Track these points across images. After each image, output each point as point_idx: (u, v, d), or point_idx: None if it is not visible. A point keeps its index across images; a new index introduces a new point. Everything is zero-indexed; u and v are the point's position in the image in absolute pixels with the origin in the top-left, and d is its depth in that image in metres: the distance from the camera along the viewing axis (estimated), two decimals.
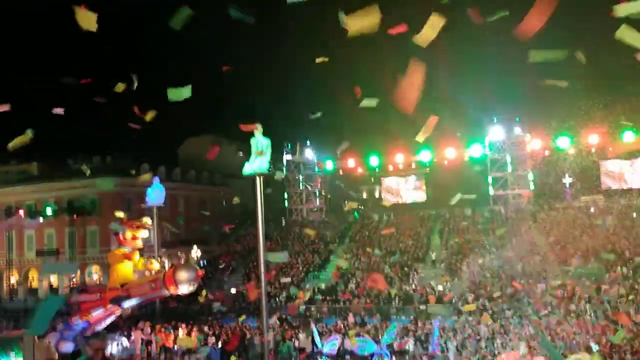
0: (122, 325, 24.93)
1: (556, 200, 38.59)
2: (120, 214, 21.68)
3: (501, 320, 22.39)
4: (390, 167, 43.49)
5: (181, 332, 23.56)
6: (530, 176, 39.65)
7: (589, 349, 16.51)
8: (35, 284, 44.94)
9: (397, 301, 27.39)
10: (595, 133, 36.48)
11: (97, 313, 20.57)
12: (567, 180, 40.01)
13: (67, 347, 17.21)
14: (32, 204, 44.13)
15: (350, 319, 24.44)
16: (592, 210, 35.81)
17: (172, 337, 23.16)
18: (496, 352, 19.03)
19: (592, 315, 22.85)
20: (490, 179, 39.99)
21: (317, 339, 19.58)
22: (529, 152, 38.98)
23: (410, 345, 20.15)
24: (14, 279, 45.07)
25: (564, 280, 26.96)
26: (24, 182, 46.38)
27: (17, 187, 45.59)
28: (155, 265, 22.00)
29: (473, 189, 40.48)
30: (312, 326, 20.46)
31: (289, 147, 44.68)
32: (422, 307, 26.23)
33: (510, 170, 39.49)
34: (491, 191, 39.94)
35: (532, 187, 39.49)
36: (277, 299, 29.32)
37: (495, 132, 39.26)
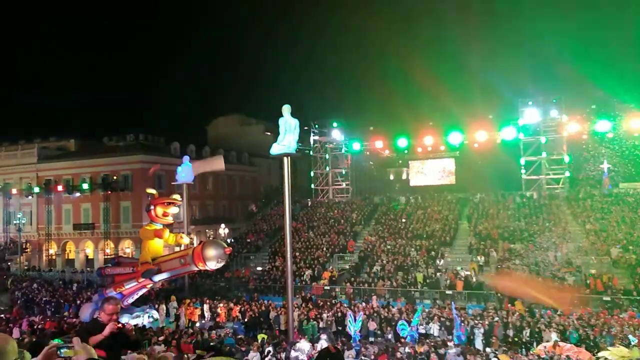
0: (153, 299, 25.71)
1: (593, 187, 37.35)
2: (152, 191, 22.25)
3: (531, 309, 22.00)
4: (419, 149, 42.79)
5: (206, 307, 24.07)
6: (566, 160, 38.30)
7: (626, 342, 16.07)
8: (72, 256, 46.69)
9: (423, 285, 27.23)
10: (638, 117, 34.83)
11: (129, 285, 21.32)
12: (606, 166, 38.56)
13: None
14: (70, 179, 45.54)
15: (374, 301, 24.44)
16: (631, 198, 34.43)
17: (198, 311, 23.69)
18: (524, 340, 18.81)
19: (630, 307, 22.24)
20: (523, 163, 38.90)
21: (351, 323, 19.68)
22: (566, 135, 37.59)
23: (434, 329, 20.08)
24: (52, 251, 46.98)
25: (600, 270, 26.23)
26: (62, 158, 47.84)
27: (56, 163, 47.11)
28: (185, 239, 22.66)
29: (504, 173, 39.74)
30: (348, 313, 20.55)
31: (316, 127, 44.43)
32: (449, 292, 26.03)
33: (545, 155, 38.26)
34: (523, 176, 38.89)
35: (567, 172, 38.23)
36: (302, 279, 29.59)
37: (530, 114, 37.85)
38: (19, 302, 29.53)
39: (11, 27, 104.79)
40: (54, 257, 46.91)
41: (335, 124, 43.86)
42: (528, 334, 19.00)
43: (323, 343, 16.39)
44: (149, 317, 23.43)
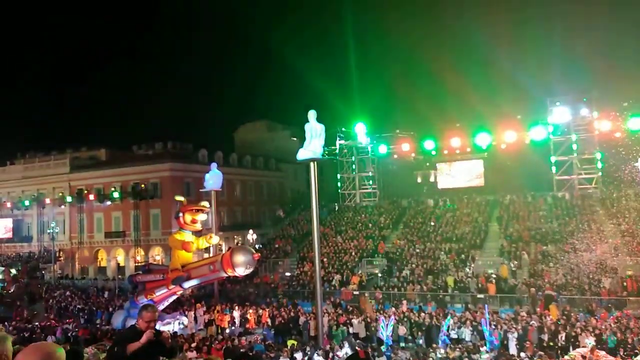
0: (183, 305, 25.97)
1: (627, 186, 36.21)
2: (180, 198, 22.57)
3: (566, 313, 21.40)
4: (446, 151, 42.23)
5: (236, 313, 24.15)
6: (599, 159, 37.26)
7: None
8: (104, 264, 47.68)
9: (454, 289, 26.82)
10: None
11: (160, 292, 21.64)
12: None
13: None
14: (101, 188, 46.56)
15: (404, 306, 24.15)
16: None
17: (228, 317, 23.79)
18: (560, 345, 18.29)
19: None
20: (553, 163, 37.99)
21: (382, 329, 19.52)
22: (597, 134, 36.61)
23: (467, 334, 19.72)
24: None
25: (636, 272, 25.38)
26: (93, 167, 49.04)
27: (87, 172, 48.29)
28: (214, 239, 22.83)
29: (534, 173, 38.86)
30: (380, 318, 20.40)
31: (342, 131, 44.38)
32: (480, 295, 25.56)
33: (576, 154, 37.30)
34: (554, 176, 37.98)
35: (600, 172, 37.19)
36: (331, 284, 29.48)
37: (560, 113, 36.99)
38: (52, 310, 30.24)
39: (38, 41, 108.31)
40: (86, 265, 47.98)
41: (361, 128, 43.73)
42: (564, 338, 18.46)
43: (347, 350, 16.29)
44: (179, 323, 23.72)
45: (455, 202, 38.71)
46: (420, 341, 19.94)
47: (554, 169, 38.04)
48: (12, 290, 37.27)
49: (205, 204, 22.68)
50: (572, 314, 21.17)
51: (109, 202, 45.24)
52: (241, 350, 17.60)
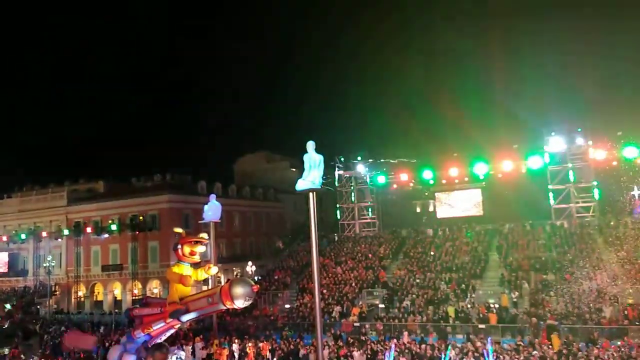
0: (180, 339, 25.54)
1: (625, 214, 36.33)
2: (179, 230, 22.49)
3: (567, 343, 21.14)
4: (445, 181, 42.47)
5: (235, 347, 23.78)
6: (595, 188, 37.55)
7: None
8: (100, 298, 47.05)
9: (455, 319, 26.53)
10: None
11: (157, 326, 21.25)
12: (637, 192, 37.54)
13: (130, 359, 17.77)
14: (99, 221, 46.39)
15: (406, 337, 23.84)
16: None
17: (226, 352, 23.37)
18: None
19: None
20: (551, 192, 38.21)
21: None
22: (593, 162, 36.99)
23: None
24: (81, 293, 47.47)
25: (637, 300, 25.21)
26: (91, 200, 48.99)
27: (85, 205, 48.19)
28: (213, 270, 22.55)
29: (532, 202, 39.04)
30: (386, 353, 20.05)
31: (341, 161, 44.75)
32: (482, 325, 25.26)
33: (573, 182, 37.57)
34: (552, 204, 38.13)
35: (596, 199, 37.41)
36: (331, 315, 29.14)
37: (555, 143, 37.52)
38: (47, 346, 29.65)
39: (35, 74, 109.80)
40: (82, 299, 47.37)
41: (359, 158, 44.12)
42: None
43: None
44: (177, 358, 23.25)
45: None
46: None
47: (551, 197, 38.24)
48: (6, 326, 36.63)
49: (204, 235, 22.53)
50: (573, 344, 20.91)
51: (106, 235, 45.03)
52: None
